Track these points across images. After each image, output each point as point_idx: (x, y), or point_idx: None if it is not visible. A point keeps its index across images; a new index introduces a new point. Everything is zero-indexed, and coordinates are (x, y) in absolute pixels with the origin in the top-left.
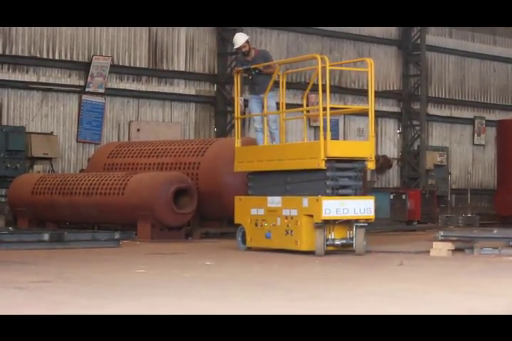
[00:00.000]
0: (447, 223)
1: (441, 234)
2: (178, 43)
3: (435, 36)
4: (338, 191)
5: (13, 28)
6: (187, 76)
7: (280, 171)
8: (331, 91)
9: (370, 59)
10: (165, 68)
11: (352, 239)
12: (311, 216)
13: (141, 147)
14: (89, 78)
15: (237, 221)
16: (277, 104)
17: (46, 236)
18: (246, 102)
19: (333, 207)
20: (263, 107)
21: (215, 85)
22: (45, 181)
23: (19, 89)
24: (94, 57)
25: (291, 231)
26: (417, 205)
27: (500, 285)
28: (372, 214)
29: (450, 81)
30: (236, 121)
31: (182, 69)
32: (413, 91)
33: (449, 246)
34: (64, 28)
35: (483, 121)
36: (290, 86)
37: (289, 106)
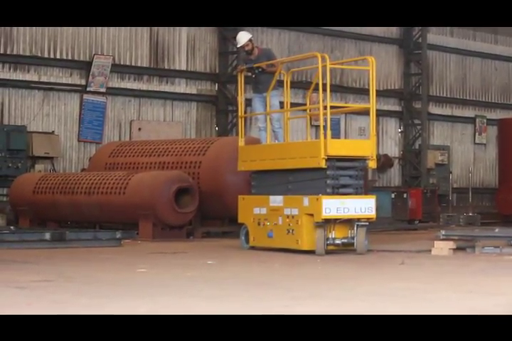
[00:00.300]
0: (448, 222)
1: (443, 233)
2: (179, 42)
3: (436, 35)
4: (338, 190)
5: (15, 28)
6: (188, 75)
7: (282, 170)
8: (332, 90)
9: (372, 57)
10: (166, 67)
11: (353, 238)
12: (312, 215)
13: (142, 146)
14: (90, 77)
15: (240, 220)
16: (281, 103)
17: (47, 236)
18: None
19: (334, 206)
20: (266, 106)
21: (217, 84)
22: (46, 180)
23: (20, 88)
24: (95, 56)
25: (293, 230)
26: (418, 204)
27: (502, 284)
28: (374, 213)
29: (451, 80)
30: (240, 120)
31: (183, 68)
32: (414, 90)
33: (451, 245)
34: (65, 28)
35: (485, 120)
36: (291, 85)
37: (290, 105)
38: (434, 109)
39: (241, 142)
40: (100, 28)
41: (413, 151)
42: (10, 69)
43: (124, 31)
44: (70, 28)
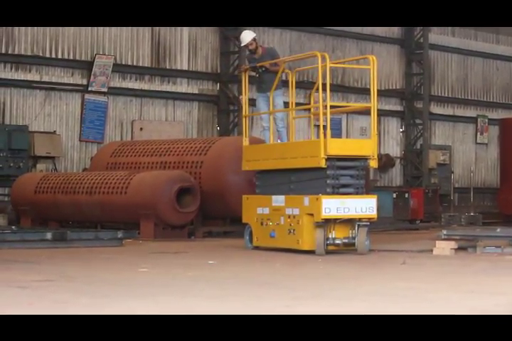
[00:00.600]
0: (450, 222)
1: (444, 232)
2: (180, 42)
3: (438, 35)
4: (339, 190)
5: (16, 27)
6: (190, 75)
7: (285, 170)
8: (334, 90)
9: (373, 56)
10: (168, 67)
11: (354, 238)
12: (312, 215)
13: (143, 146)
14: (92, 77)
15: (244, 220)
16: (285, 102)
17: (49, 235)
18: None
19: (334, 205)
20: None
21: (218, 84)
22: (47, 180)
23: (22, 88)
24: (97, 56)
25: (294, 230)
26: (419, 204)
27: (503, 284)
28: (375, 213)
29: (453, 80)
30: (244, 120)
31: (185, 68)
32: (416, 90)
33: (452, 244)
34: (67, 27)
35: (486, 120)
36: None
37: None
38: (436, 109)
39: (245, 142)
40: (102, 27)
41: (415, 151)
42: (11, 69)
43: (125, 31)
44: (72, 28)
